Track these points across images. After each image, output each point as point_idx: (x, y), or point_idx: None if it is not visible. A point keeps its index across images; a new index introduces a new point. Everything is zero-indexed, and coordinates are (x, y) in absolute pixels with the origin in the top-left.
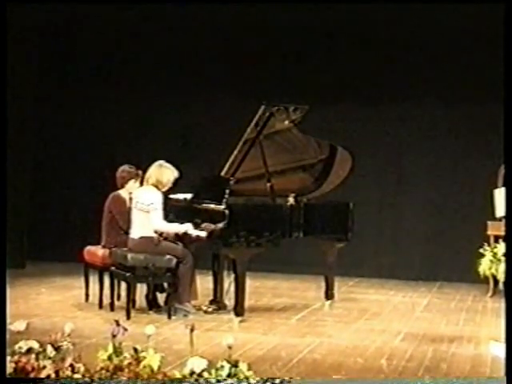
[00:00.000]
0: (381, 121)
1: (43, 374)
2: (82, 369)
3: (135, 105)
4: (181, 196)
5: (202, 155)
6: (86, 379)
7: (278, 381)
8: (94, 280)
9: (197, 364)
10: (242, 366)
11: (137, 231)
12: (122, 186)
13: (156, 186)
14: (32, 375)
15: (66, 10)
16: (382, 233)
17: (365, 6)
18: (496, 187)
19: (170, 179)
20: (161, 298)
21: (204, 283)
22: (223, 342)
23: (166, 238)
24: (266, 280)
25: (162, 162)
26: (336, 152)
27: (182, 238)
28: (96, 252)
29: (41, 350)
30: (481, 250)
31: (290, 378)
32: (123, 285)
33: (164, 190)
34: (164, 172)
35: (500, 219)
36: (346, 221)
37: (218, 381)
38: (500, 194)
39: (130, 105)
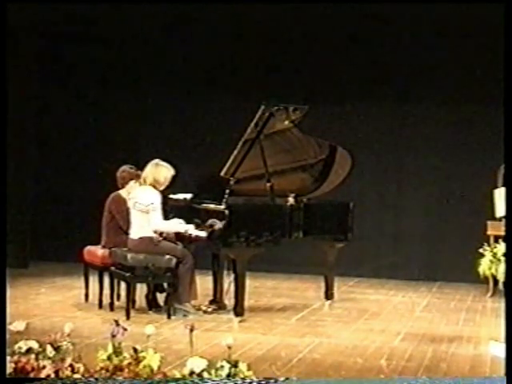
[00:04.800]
0: (381, 121)
1: (43, 374)
2: (82, 369)
3: (135, 105)
4: (181, 196)
5: (202, 155)
6: (86, 379)
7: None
8: (93, 280)
9: (196, 364)
10: (242, 366)
11: (136, 231)
12: (123, 187)
13: (154, 186)
14: (32, 375)
15: (66, 9)
16: (382, 233)
17: (365, 6)
18: (496, 187)
19: (167, 177)
20: (161, 297)
21: (204, 283)
22: (223, 342)
23: (165, 238)
24: (266, 280)
25: (157, 160)
26: (336, 152)
27: (181, 238)
28: (96, 252)
29: (40, 350)
30: (481, 250)
31: (286, 378)
32: (123, 285)
33: (162, 188)
34: (160, 170)
35: (500, 219)
36: (346, 221)
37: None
38: (500, 194)
39: (129, 105)
